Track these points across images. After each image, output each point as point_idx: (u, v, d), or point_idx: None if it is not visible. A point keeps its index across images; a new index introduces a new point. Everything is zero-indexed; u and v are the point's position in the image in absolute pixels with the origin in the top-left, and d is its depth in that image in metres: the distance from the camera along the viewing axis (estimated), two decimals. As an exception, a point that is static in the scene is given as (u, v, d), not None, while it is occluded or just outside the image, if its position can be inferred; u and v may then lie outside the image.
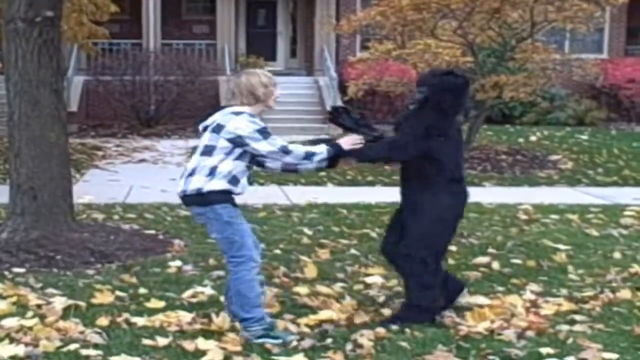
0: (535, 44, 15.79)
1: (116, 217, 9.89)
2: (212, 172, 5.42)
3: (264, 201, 10.88)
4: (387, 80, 17.24)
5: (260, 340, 5.41)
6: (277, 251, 8.19)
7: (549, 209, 10.92)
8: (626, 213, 10.54)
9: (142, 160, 16.10)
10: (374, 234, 9.01)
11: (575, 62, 17.42)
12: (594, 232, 9.26)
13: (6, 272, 7.16)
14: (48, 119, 8.22)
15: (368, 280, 7.07)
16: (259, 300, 5.54)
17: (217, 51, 23.14)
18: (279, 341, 5.43)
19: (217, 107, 21.43)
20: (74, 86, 21.66)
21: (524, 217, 10.28)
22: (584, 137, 19.41)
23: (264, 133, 5.43)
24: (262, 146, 5.42)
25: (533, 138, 18.83)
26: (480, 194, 11.97)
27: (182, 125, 21.01)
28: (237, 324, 5.60)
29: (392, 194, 12.27)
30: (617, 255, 8.14)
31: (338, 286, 6.87)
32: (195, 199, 5.48)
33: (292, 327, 5.72)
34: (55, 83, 8.32)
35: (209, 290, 6.57)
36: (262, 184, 12.59)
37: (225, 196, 5.44)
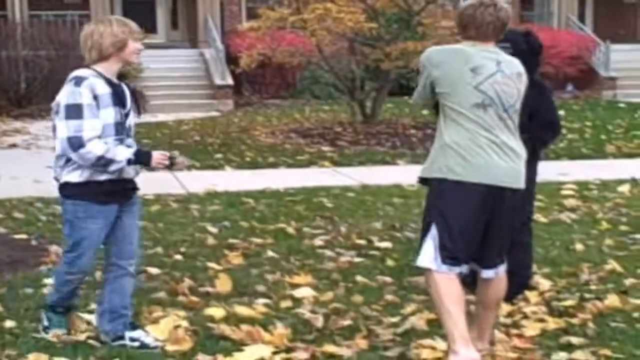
0: (446, 7, 14.62)
1: (-24, 218, 8.18)
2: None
3: (155, 191, 9.28)
4: (283, 50, 15.72)
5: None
6: (178, 257, 6.72)
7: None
8: (564, 192, 9.46)
9: (13, 146, 14.33)
10: (291, 230, 7.65)
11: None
12: (542, 218, 8.04)
13: None
14: None
15: (296, 293, 5.72)
16: (61, 291, 4.77)
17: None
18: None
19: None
20: None
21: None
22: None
23: (73, 110, 4.37)
24: (59, 127, 4.46)
25: (437, 110, 17.70)
26: (397, 174, 10.78)
27: (57, 104, 19.07)
28: None
29: (299, 177, 11.14)
30: (579, 246, 6.97)
31: (260, 304, 5.48)
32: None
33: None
34: None
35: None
36: (151, 170, 11.03)
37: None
